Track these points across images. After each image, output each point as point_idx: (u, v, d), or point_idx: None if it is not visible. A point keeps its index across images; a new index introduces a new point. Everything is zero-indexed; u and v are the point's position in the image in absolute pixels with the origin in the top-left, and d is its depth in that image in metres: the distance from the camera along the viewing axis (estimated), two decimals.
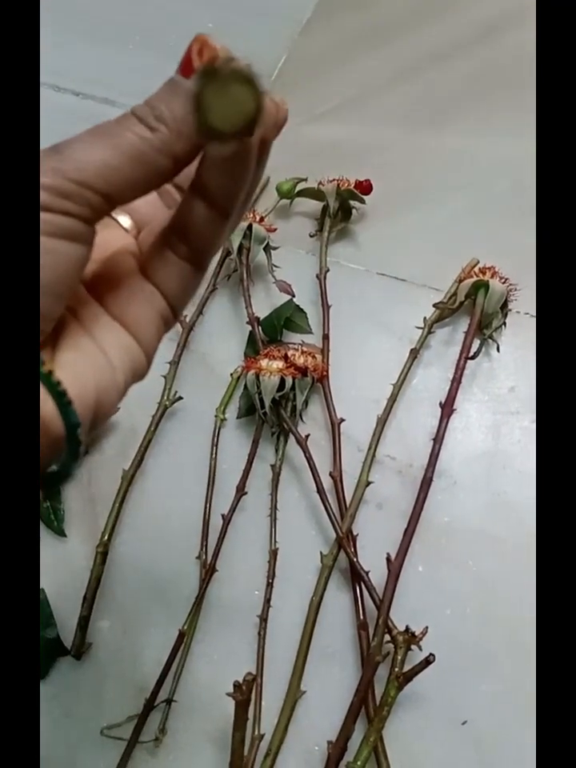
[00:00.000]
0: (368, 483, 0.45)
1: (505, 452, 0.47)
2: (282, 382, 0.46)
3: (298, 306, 0.53)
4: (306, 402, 0.49)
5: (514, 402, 0.49)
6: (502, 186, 0.58)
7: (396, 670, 0.38)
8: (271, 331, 0.51)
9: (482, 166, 0.59)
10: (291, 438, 0.47)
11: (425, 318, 0.51)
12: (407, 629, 0.39)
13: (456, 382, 0.47)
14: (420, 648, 0.39)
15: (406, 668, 0.38)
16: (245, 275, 0.52)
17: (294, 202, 0.59)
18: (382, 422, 0.47)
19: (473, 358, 0.48)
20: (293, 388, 0.47)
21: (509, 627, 0.41)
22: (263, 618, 0.42)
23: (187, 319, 0.51)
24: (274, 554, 0.44)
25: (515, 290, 0.51)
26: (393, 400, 0.48)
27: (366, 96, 0.65)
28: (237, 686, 0.36)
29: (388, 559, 0.41)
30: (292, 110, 0.69)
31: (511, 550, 0.43)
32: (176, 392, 0.49)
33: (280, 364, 0.47)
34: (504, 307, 0.51)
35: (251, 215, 0.53)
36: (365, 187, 0.56)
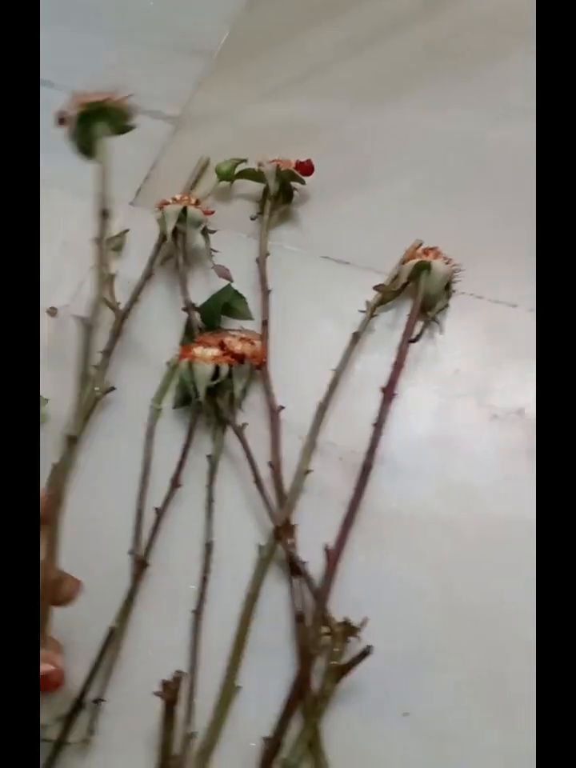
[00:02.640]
0: (307, 471, 0.44)
1: (450, 436, 0.46)
2: (217, 370, 0.45)
3: (236, 291, 0.51)
4: (244, 391, 0.48)
5: (459, 385, 0.48)
6: (450, 164, 0.57)
7: (333, 662, 0.37)
8: (209, 318, 0.50)
9: (430, 143, 0.58)
10: (230, 428, 0.46)
11: (367, 302, 0.50)
12: (346, 620, 0.38)
13: (398, 366, 0.46)
14: (359, 640, 0.38)
15: (346, 660, 0.37)
16: (181, 260, 0.51)
17: (235, 184, 0.57)
18: (323, 408, 0.46)
19: (415, 340, 0.47)
20: (230, 376, 0.46)
21: (453, 614, 0.40)
22: (198, 613, 0.41)
23: (121, 307, 0.50)
24: (208, 547, 0.42)
25: (459, 270, 0.50)
26: (333, 385, 0.46)
27: (313, 72, 0.64)
28: (164, 684, 0.35)
29: (326, 549, 0.40)
30: (236, 89, 0.67)
31: (455, 535, 0.42)
32: (108, 382, 0.47)
33: (215, 351, 0.45)
34: (448, 288, 0.49)
35: (186, 198, 0.51)
36: (305, 168, 0.54)
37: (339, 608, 0.40)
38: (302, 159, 0.55)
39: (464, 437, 0.46)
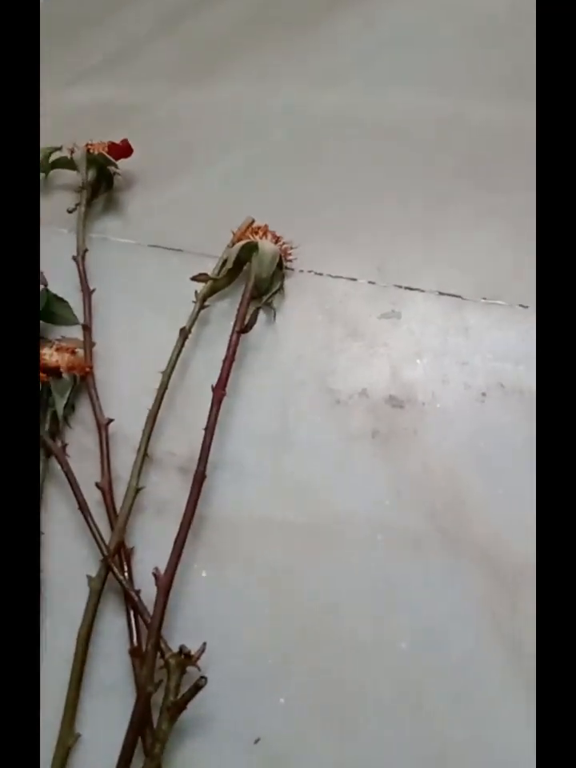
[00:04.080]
0: (139, 489, 0.40)
1: (291, 428, 0.43)
2: None
3: (55, 295, 0.46)
4: (72, 406, 0.43)
5: (300, 371, 0.44)
6: (278, 136, 0.53)
7: (170, 698, 0.34)
8: None
9: (256, 116, 0.54)
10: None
11: (196, 292, 0.46)
12: (181, 649, 0.35)
13: (228, 360, 0.42)
14: (198, 668, 0.35)
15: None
16: None
17: (53, 176, 0.52)
18: (153, 416, 0.42)
19: (246, 330, 0.43)
20: (49, 393, 0.42)
21: (301, 624, 0.37)
22: None
23: None
24: None
25: (292, 248, 0.47)
26: (163, 389, 0.43)
27: (130, 50, 0.59)
28: None
29: (155, 575, 0.36)
30: (49, 73, 0.61)
31: (297, 535, 0.39)
32: None
33: None
34: (281, 268, 0.46)
35: None
36: (120, 150, 0.50)
37: (181, 635, 0.36)
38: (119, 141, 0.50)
39: (305, 427, 0.42)
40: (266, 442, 0.42)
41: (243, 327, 0.43)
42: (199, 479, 0.39)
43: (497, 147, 0.50)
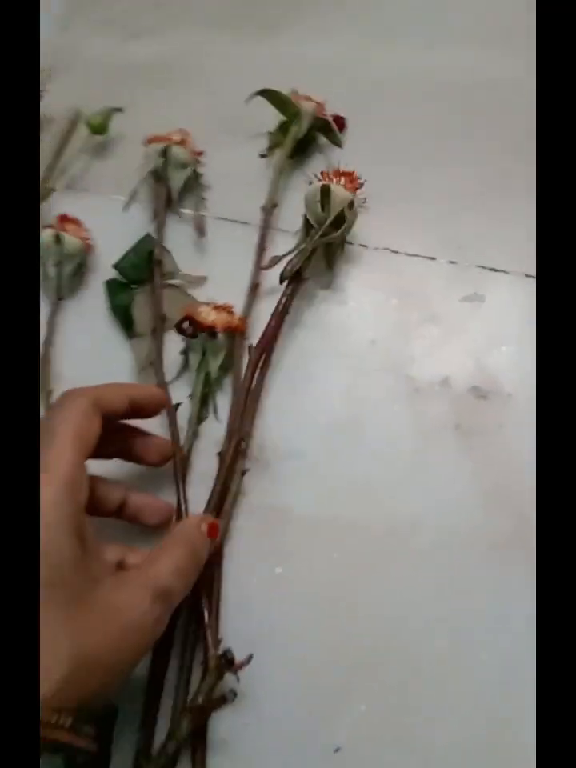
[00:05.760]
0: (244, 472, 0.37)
1: (363, 418, 0.39)
2: None
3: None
4: (225, 368, 0.40)
5: (373, 357, 0.41)
6: (341, 95, 0.48)
7: (198, 699, 0.31)
8: (136, 273, 0.43)
9: (313, 69, 0.50)
10: None
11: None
12: (225, 653, 0.31)
13: (276, 316, 0.39)
14: (238, 679, 0.31)
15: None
16: None
17: (109, 140, 0.49)
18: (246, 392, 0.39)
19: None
20: (203, 353, 0.39)
21: (365, 642, 0.34)
22: None
23: None
24: None
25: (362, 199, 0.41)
26: (254, 367, 0.39)
27: (186, 2, 0.56)
28: None
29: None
30: (103, 31, 0.56)
31: (365, 539, 0.36)
32: None
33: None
34: (351, 206, 0.40)
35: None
36: (340, 123, 0.47)
37: (233, 636, 0.33)
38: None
39: (378, 417, 0.39)
40: (334, 432, 0.39)
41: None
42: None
43: None
